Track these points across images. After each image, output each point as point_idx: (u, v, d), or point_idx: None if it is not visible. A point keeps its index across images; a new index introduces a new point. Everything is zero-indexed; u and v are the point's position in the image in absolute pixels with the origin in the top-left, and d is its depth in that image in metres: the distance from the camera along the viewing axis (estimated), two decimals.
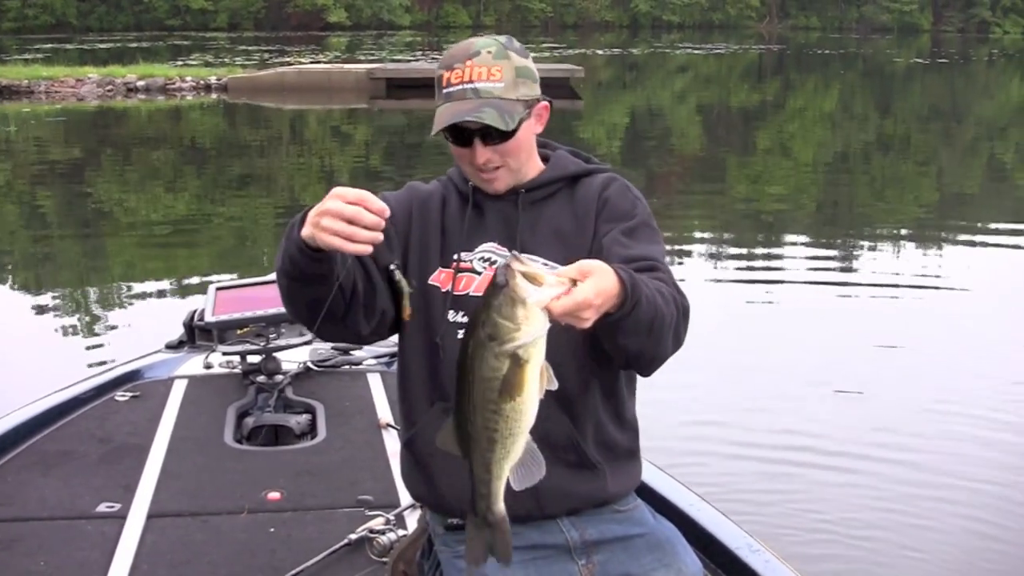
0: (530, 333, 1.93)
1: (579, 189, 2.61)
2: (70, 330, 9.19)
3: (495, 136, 2.45)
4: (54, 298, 10.29)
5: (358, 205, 2.13)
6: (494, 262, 2.51)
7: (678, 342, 2.34)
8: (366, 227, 2.12)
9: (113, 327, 9.13)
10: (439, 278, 2.56)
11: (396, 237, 2.56)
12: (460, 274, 2.53)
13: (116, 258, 12.35)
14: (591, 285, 1.98)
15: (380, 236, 2.15)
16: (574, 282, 1.97)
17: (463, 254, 2.55)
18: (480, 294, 2.25)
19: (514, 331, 1.92)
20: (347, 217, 2.12)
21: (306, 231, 2.19)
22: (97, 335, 8.91)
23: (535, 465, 2.10)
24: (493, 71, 2.45)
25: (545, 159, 2.66)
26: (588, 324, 2.02)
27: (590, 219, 2.54)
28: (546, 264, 2.24)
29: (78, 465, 4.17)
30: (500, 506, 2.16)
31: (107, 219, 14.55)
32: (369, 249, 2.15)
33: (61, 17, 71.81)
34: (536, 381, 1.99)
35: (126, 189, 16.81)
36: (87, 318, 9.61)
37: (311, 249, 2.21)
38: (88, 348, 8.45)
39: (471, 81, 2.43)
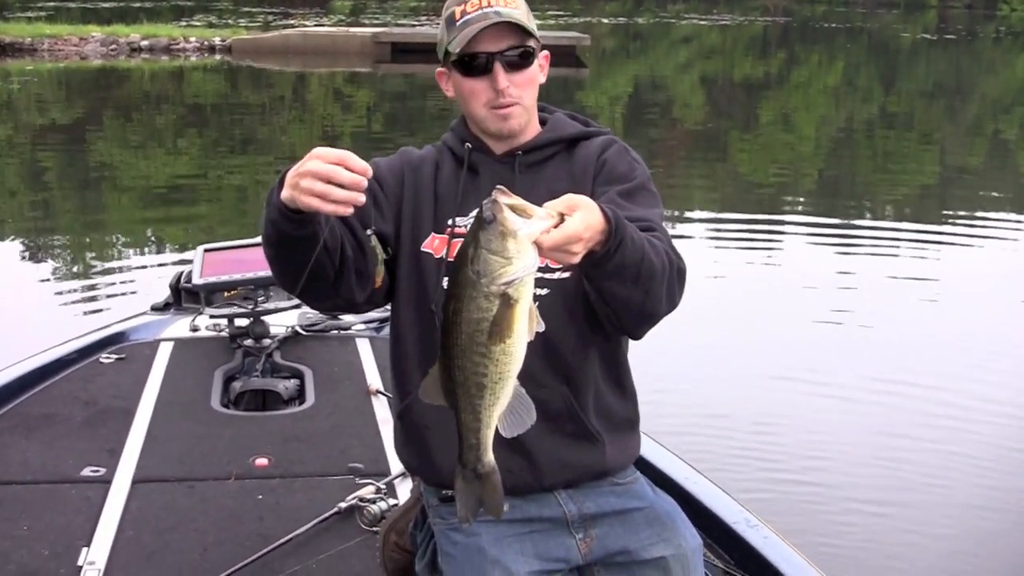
0: (523, 267, 1.87)
1: (577, 152, 2.56)
2: (57, 290, 9.07)
3: (515, 66, 2.42)
4: (42, 257, 10.24)
5: (338, 165, 2.04)
6: None
7: (672, 302, 2.29)
8: (344, 186, 2.03)
9: (103, 287, 9.05)
10: (432, 244, 2.50)
11: (387, 204, 2.50)
12: (455, 240, 2.45)
13: (111, 217, 12.29)
14: (580, 218, 1.95)
15: (360, 197, 2.05)
16: (562, 216, 1.92)
17: (457, 219, 2.49)
18: None
19: (506, 265, 1.87)
20: (325, 176, 2.03)
21: (285, 193, 2.11)
22: (85, 295, 8.83)
23: (524, 410, 2.05)
24: (510, 1, 2.41)
25: (543, 122, 2.61)
26: (576, 259, 1.99)
27: (588, 181, 2.49)
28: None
29: (62, 428, 4.12)
30: (490, 456, 2.11)
31: (104, 178, 14.47)
32: (349, 210, 2.06)
33: None
34: (525, 322, 1.94)
35: (126, 148, 16.73)
36: (74, 278, 9.51)
37: (291, 211, 2.13)
38: (73, 309, 8.38)
39: (491, 5, 2.39)
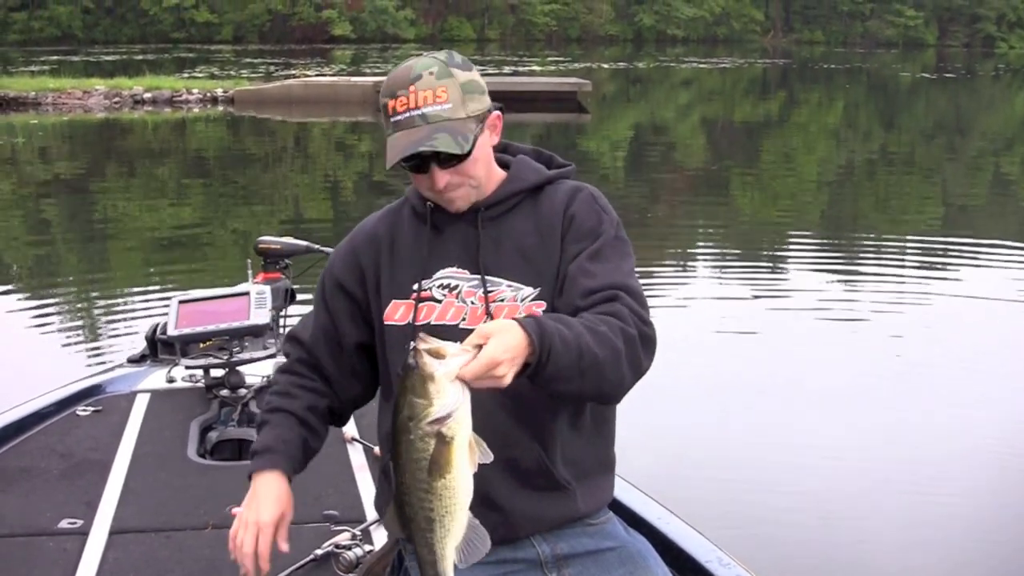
0: (444, 406, 1.97)
1: (543, 200, 2.51)
2: (35, 343, 8.97)
3: (451, 159, 2.37)
4: (25, 309, 10.12)
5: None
6: (454, 287, 2.45)
7: (637, 372, 2.28)
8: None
9: (82, 339, 9.01)
10: (394, 316, 2.48)
11: (358, 307, 2.56)
12: (421, 304, 2.45)
13: (100, 269, 12.23)
14: (495, 344, 2.00)
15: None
16: (479, 347, 2.00)
17: (423, 282, 2.47)
18: (441, 322, 2.39)
19: (428, 407, 1.97)
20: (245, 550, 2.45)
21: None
22: (62, 347, 8.75)
23: (479, 540, 2.12)
24: (438, 93, 2.36)
25: (505, 165, 2.56)
26: (507, 380, 2.03)
27: (555, 238, 2.45)
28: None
29: (39, 481, 4.10)
30: None
31: (100, 231, 14.50)
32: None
33: (67, 29, 72.07)
34: (465, 456, 2.03)
35: (126, 201, 16.79)
36: (55, 331, 9.36)
37: None
38: (50, 361, 8.31)
39: (417, 107, 2.35)
